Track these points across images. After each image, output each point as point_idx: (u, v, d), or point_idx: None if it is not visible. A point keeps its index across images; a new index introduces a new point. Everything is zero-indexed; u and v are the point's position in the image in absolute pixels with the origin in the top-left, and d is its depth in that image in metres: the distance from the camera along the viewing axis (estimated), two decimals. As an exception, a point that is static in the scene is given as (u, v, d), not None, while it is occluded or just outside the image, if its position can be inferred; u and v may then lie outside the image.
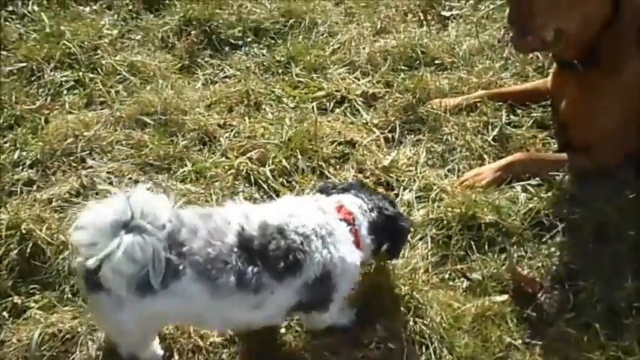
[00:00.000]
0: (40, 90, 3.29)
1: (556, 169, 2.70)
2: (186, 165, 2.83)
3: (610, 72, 2.60)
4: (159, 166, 2.85)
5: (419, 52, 3.55)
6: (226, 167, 2.83)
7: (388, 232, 2.11)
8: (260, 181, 2.78)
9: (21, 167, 2.82)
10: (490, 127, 3.02)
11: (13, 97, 3.18)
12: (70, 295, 2.25)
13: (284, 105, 3.26)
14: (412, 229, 2.48)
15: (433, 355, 2.12)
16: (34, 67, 3.38)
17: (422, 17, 3.87)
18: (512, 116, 3.14)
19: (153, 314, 1.83)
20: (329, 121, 3.14)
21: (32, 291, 2.28)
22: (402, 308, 2.26)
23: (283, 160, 2.85)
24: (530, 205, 2.62)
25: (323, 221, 1.98)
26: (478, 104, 3.13)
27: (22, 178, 2.76)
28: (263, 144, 2.94)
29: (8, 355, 2.05)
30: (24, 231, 2.38)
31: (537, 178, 2.73)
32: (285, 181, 2.82)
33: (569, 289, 2.35)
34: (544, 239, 2.53)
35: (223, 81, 3.43)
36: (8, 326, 2.14)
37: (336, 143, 3.03)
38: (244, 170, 2.81)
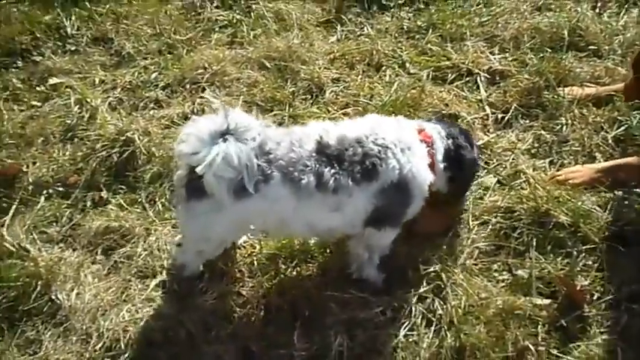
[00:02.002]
0: (197, 24, 3.82)
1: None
2: (284, 109, 3.12)
3: None
4: (263, 107, 3.20)
5: (575, 34, 3.37)
6: (320, 118, 3.06)
7: (458, 162, 2.27)
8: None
9: (154, 87, 3.36)
10: (616, 126, 2.81)
11: (173, 28, 3.75)
12: (142, 200, 2.70)
13: (404, 70, 3.36)
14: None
15: (434, 335, 2.15)
16: (199, 3, 3.93)
17: (599, -1, 3.63)
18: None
19: (246, 217, 2.17)
20: (440, 92, 3.21)
21: (117, 190, 2.79)
22: (425, 283, 2.31)
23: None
24: (618, 216, 2.43)
25: (403, 137, 2.20)
26: (615, 99, 2.91)
27: (151, 96, 3.31)
28: (363, 104, 3.12)
29: (79, 237, 2.58)
30: (128, 138, 2.89)
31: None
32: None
33: (624, 311, 2.17)
34: (620, 255, 2.33)
35: (358, 39, 3.63)
36: (89, 213, 2.68)
37: (438, 114, 3.07)
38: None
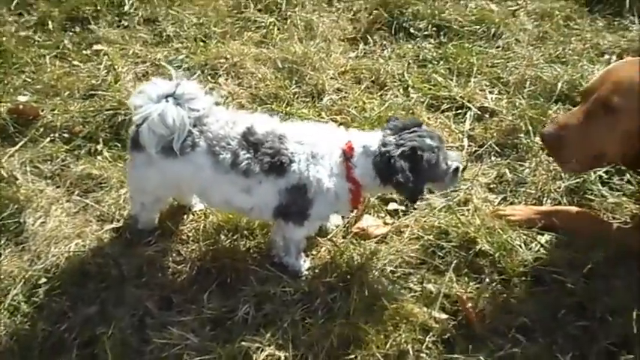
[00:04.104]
0: (236, 21, 4.15)
1: (603, 237, 2.52)
2: (280, 106, 3.38)
3: None
4: (264, 101, 3.47)
5: (575, 89, 3.45)
6: (307, 117, 3.29)
7: (388, 171, 2.29)
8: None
9: (178, 67, 3.70)
10: (574, 177, 2.88)
11: (215, 20, 4.09)
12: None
13: (405, 92, 3.54)
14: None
15: (329, 321, 2.32)
16: (244, 3, 4.27)
17: (614, 59, 3.68)
18: (616, 178, 2.92)
19: (172, 176, 2.41)
20: (428, 118, 3.36)
21: (112, 146, 3.14)
22: (339, 276, 2.49)
23: (356, 131, 3.18)
24: (540, 256, 2.52)
25: (319, 146, 2.32)
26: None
27: (171, 74, 3.64)
28: (353, 114, 3.32)
29: (65, 177, 2.93)
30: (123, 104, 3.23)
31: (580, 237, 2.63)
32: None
33: (510, 339, 2.27)
34: (526, 290, 2.42)
35: (374, 58, 3.84)
36: (81, 160, 3.03)
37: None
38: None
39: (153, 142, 2.26)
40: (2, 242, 2.58)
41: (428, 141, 2.29)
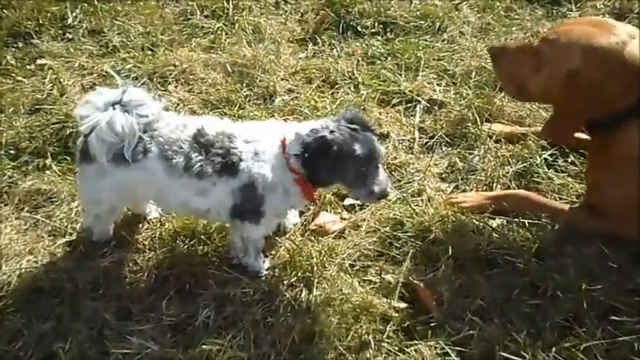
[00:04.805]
0: (184, 28, 4.12)
1: (552, 218, 2.59)
2: (232, 109, 3.36)
3: (606, 142, 2.49)
4: (216, 106, 3.46)
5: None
6: (259, 119, 3.29)
7: (309, 159, 2.22)
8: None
9: (126, 77, 3.65)
10: (521, 162, 2.94)
11: (161, 29, 4.06)
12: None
13: (355, 90, 3.57)
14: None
15: (290, 318, 2.32)
16: (190, 10, 4.24)
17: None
18: (560, 160, 3.00)
19: (126, 184, 2.38)
20: (380, 113, 3.40)
21: (61, 160, 3.08)
22: (299, 274, 2.49)
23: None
24: (492, 240, 2.57)
25: (261, 141, 2.31)
26: (528, 138, 3.06)
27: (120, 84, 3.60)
28: (305, 113, 3.34)
29: (13, 194, 2.88)
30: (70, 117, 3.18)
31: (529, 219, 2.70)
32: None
33: (467, 323, 2.31)
34: (481, 274, 2.47)
35: (323, 58, 3.86)
36: (29, 176, 2.97)
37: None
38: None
39: (103, 150, 2.24)
40: (-49, 266, 2.51)
41: (353, 144, 2.20)
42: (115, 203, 2.51)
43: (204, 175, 2.26)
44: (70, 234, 2.67)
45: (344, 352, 2.26)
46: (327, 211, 2.85)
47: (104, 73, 3.69)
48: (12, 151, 3.10)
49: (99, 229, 2.61)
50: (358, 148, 2.20)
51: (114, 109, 2.24)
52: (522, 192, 2.75)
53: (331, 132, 2.20)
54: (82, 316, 2.37)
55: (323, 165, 2.20)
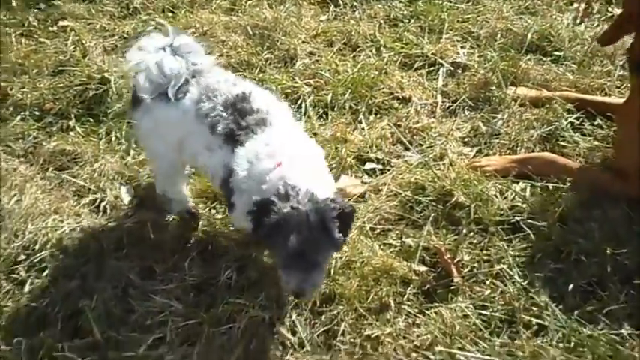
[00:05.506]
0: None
1: (577, 181, 2.56)
2: (253, 73, 3.34)
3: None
4: (236, 69, 3.43)
5: (545, 39, 3.45)
6: (280, 83, 3.26)
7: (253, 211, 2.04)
8: (302, 104, 3.17)
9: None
10: (545, 125, 2.90)
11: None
12: (101, 132, 3.01)
13: (377, 53, 3.51)
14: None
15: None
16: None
17: (583, 6, 3.68)
18: (587, 124, 2.94)
19: (167, 120, 2.32)
20: (402, 77, 3.34)
21: (85, 121, 3.10)
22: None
23: (330, 95, 3.17)
24: (515, 204, 2.54)
25: (274, 153, 2.12)
26: (554, 102, 3.00)
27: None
28: (326, 77, 3.30)
29: (38, 155, 2.90)
30: (105, 78, 3.18)
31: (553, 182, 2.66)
32: (322, 111, 3.15)
33: (488, 286, 2.31)
34: (503, 239, 2.45)
35: (345, 20, 3.80)
36: (53, 137, 2.99)
37: (391, 96, 3.22)
38: (295, 91, 3.23)
39: (149, 90, 2.26)
40: (-22, 223, 2.55)
41: (293, 231, 1.91)
42: (165, 151, 2.43)
43: (215, 132, 2.20)
44: (95, 193, 2.68)
45: (364, 313, 2.27)
46: (347, 174, 2.83)
47: (125, 35, 3.66)
48: (36, 112, 3.11)
49: (173, 196, 2.58)
50: (292, 239, 1.91)
51: (164, 51, 2.27)
52: (548, 154, 2.72)
53: (292, 207, 1.92)
54: (107, 274, 2.40)
55: (259, 226, 1.98)
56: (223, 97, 2.24)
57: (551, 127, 2.89)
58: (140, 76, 2.28)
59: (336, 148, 2.88)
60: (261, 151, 2.11)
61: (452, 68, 3.38)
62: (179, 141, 2.37)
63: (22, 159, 2.88)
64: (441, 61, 3.41)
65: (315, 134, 2.95)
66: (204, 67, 2.34)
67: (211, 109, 2.23)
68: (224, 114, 2.21)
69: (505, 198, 2.60)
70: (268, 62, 3.48)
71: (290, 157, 2.07)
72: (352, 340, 2.22)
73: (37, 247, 2.47)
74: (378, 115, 3.15)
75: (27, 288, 2.36)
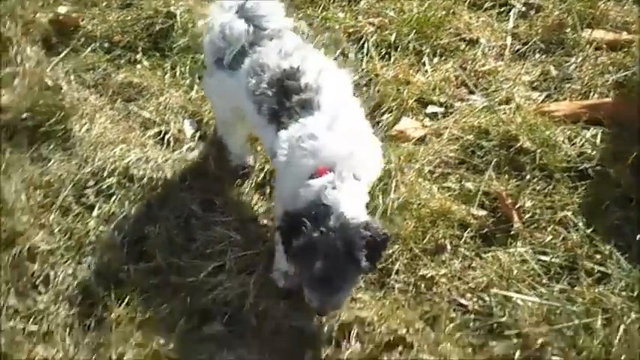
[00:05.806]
0: None
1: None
2: (316, 11, 3.28)
3: None
4: (299, 7, 3.37)
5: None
6: (343, 22, 3.20)
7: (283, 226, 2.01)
8: (365, 44, 3.10)
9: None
10: (622, 71, 2.75)
11: None
12: (167, 66, 3.05)
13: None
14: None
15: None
16: None
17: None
18: (670, 68, 2.78)
19: (224, 88, 2.31)
20: (470, 17, 3.22)
21: (151, 55, 3.13)
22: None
23: (394, 35, 3.09)
24: (584, 150, 2.45)
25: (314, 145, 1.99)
26: (633, 45, 2.84)
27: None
28: (391, 17, 3.21)
29: (107, 86, 2.97)
30: (171, 12, 3.20)
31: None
32: (385, 52, 3.08)
33: (549, 233, 2.25)
34: (569, 186, 2.38)
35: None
36: (122, 69, 3.05)
37: (458, 37, 3.12)
38: (358, 31, 3.15)
39: (210, 52, 2.26)
40: (51, 147, 2.66)
41: (316, 258, 1.84)
42: (224, 110, 2.46)
43: (261, 111, 2.09)
44: (160, 125, 2.74)
45: (419, 253, 2.27)
46: (408, 117, 2.78)
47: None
48: (106, 44, 3.16)
49: (230, 143, 2.58)
50: (318, 265, 1.83)
51: (234, 13, 2.20)
52: (621, 99, 2.56)
53: (322, 231, 1.82)
54: (170, 205, 2.48)
55: (287, 245, 1.92)
56: (270, 72, 2.08)
57: (627, 72, 2.74)
58: (205, 36, 2.25)
59: (398, 89, 2.82)
60: (304, 144, 1.95)
61: (524, 9, 3.22)
62: (237, 108, 2.33)
63: (92, 89, 2.96)
64: (513, 1, 3.25)
65: (377, 75, 2.88)
66: (273, 34, 2.21)
67: (256, 85, 2.09)
68: (269, 92, 2.07)
69: (573, 144, 2.51)
70: (332, 0, 3.39)
71: (337, 168, 1.91)
72: (406, 279, 2.23)
73: (105, 174, 2.56)
74: (443, 57, 3.06)
75: (95, 212, 2.45)
